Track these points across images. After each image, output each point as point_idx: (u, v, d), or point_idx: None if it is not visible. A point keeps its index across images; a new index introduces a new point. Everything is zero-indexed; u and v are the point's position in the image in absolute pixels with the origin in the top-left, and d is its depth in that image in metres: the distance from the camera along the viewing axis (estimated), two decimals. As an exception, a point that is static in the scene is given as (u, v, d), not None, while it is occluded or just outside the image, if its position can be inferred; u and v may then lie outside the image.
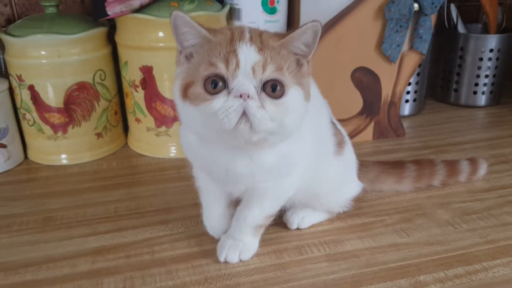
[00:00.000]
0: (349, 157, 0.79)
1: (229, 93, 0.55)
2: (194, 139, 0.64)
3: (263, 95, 0.55)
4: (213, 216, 0.74)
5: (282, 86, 0.56)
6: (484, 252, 0.72)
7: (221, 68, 0.55)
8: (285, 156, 0.64)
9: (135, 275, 0.68)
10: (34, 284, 0.67)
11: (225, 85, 0.55)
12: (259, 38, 0.57)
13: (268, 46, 0.56)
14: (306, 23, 0.56)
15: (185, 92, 0.57)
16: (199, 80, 0.56)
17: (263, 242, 0.74)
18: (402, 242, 0.75)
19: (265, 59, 0.55)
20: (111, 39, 1.06)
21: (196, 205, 0.81)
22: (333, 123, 0.77)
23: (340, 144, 0.75)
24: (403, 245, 0.74)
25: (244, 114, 0.54)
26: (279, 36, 0.59)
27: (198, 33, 0.57)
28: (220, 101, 0.55)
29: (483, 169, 0.93)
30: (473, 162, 0.93)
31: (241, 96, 0.54)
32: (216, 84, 0.55)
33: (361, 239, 0.76)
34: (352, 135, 1.10)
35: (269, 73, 0.55)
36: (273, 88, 0.55)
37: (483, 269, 0.68)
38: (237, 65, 0.54)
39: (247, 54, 0.55)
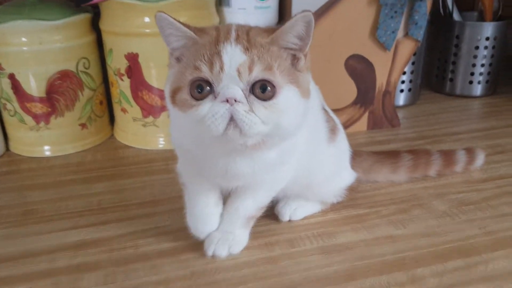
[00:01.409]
0: (342, 144, 0.76)
1: (215, 97, 0.51)
2: (188, 141, 0.60)
3: (252, 97, 0.51)
4: (198, 215, 0.68)
5: (273, 86, 0.52)
6: (483, 244, 0.69)
7: (205, 72, 0.51)
8: (286, 150, 0.60)
9: (117, 270, 0.65)
10: (10, 280, 0.63)
11: (211, 89, 0.52)
12: (246, 36, 0.53)
13: (255, 45, 0.53)
14: (296, 14, 0.52)
15: (174, 98, 0.54)
16: (185, 85, 0.53)
17: (253, 235, 0.71)
18: (398, 233, 0.72)
19: (252, 59, 0.51)
20: (95, 28, 1.02)
21: (183, 197, 0.78)
22: (325, 110, 0.74)
23: (333, 131, 0.72)
24: (399, 236, 0.71)
25: (233, 119, 0.51)
26: (269, 31, 0.54)
27: (183, 34, 0.54)
28: (206, 107, 0.51)
29: (480, 159, 0.90)
30: (469, 152, 0.90)
31: (227, 100, 0.50)
32: (202, 88, 0.52)
33: (356, 231, 0.73)
34: (346, 125, 1.06)
35: (257, 74, 0.51)
36: (262, 89, 0.52)
37: (483, 261, 0.65)
38: (221, 67, 0.51)
39: (232, 55, 0.51)
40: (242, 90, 0.51)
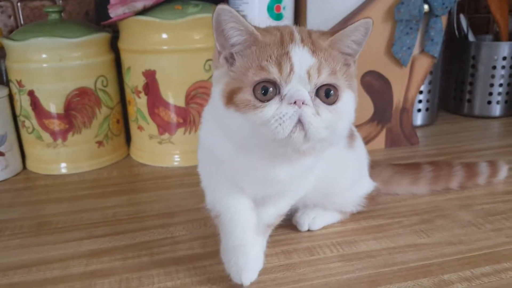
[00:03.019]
0: (361, 151, 0.75)
1: (281, 99, 0.50)
2: (226, 146, 0.57)
3: (318, 101, 0.51)
4: (248, 246, 0.59)
5: (336, 90, 0.51)
6: (512, 251, 0.66)
7: (274, 73, 0.50)
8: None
9: (131, 277, 0.63)
10: (22, 285, 0.62)
11: (277, 91, 0.50)
12: (309, 39, 0.53)
13: (320, 48, 0.52)
14: (357, 20, 0.53)
15: (231, 99, 0.51)
16: (247, 86, 0.51)
17: (271, 243, 0.68)
18: (422, 242, 0.69)
19: (320, 62, 0.50)
20: (114, 49, 1.04)
21: (199, 209, 0.77)
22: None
23: (350, 137, 0.71)
24: (424, 245, 0.68)
25: (299, 122, 0.49)
26: (327, 34, 0.54)
27: (245, 28, 0.51)
28: (272, 109, 0.50)
29: (503, 171, 0.88)
30: (492, 164, 0.88)
31: (295, 102, 0.49)
32: (266, 90, 0.50)
33: (377, 240, 0.70)
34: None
35: (325, 77, 0.50)
36: (326, 94, 0.51)
37: (513, 267, 0.62)
38: (292, 69, 0.50)
39: (301, 57, 0.50)
40: (309, 93, 0.50)
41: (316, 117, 0.50)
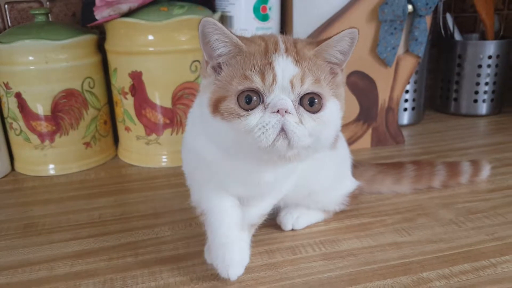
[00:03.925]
0: (343, 151, 0.76)
1: (265, 108, 0.51)
2: (212, 150, 0.58)
3: (301, 109, 0.51)
4: (234, 243, 0.61)
5: (320, 99, 0.52)
6: (491, 249, 0.67)
7: (257, 82, 0.51)
8: None
9: (115, 277, 0.64)
10: (7, 287, 0.62)
11: (260, 99, 0.51)
12: (294, 48, 0.54)
13: (304, 57, 0.53)
14: (342, 30, 0.53)
15: (216, 107, 0.52)
16: (232, 94, 0.51)
17: (254, 243, 0.69)
18: (403, 240, 0.70)
19: (303, 72, 0.51)
20: (101, 50, 1.04)
21: (184, 209, 0.78)
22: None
23: (334, 137, 0.72)
24: (404, 243, 0.69)
25: (282, 130, 0.50)
26: (312, 44, 0.55)
27: (230, 40, 0.52)
28: (256, 117, 0.50)
29: (486, 170, 0.89)
30: (475, 163, 0.89)
31: (278, 111, 0.50)
32: (250, 99, 0.51)
33: (359, 238, 0.71)
34: (349, 142, 1.06)
35: (308, 86, 0.51)
36: (310, 102, 0.51)
37: (491, 265, 0.63)
38: (274, 79, 0.50)
39: (284, 67, 0.51)
40: (292, 102, 0.51)
41: (299, 126, 0.50)
